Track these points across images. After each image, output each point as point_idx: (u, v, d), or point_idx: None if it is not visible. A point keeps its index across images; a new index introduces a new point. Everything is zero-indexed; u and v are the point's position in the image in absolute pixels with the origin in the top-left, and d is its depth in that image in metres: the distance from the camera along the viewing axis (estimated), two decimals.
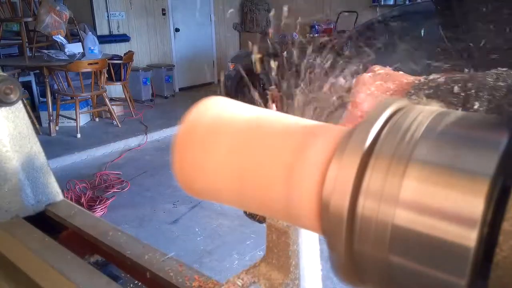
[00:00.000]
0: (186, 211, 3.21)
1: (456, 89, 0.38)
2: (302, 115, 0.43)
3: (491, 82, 0.38)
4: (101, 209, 3.19)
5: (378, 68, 0.43)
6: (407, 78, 0.41)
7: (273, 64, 0.47)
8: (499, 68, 0.39)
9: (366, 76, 0.42)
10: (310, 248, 0.49)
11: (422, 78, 0.41)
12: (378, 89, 0.40)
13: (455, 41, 0.77)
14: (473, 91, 0.38)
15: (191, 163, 0.32)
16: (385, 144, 0.22)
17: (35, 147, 0.87)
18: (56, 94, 4.85)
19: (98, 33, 6.25)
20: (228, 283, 0.48)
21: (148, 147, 4.74)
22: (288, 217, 0.28)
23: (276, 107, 0.44)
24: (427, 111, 0.23)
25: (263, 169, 0.28)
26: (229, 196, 0.31)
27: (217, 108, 0.32)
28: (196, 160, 0.31)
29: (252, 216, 0.53)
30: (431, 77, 0.40)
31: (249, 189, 0.29)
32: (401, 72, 0.43)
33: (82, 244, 0.80)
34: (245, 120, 0.31)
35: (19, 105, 0.84)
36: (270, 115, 0.31)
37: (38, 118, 5.03)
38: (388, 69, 0.44)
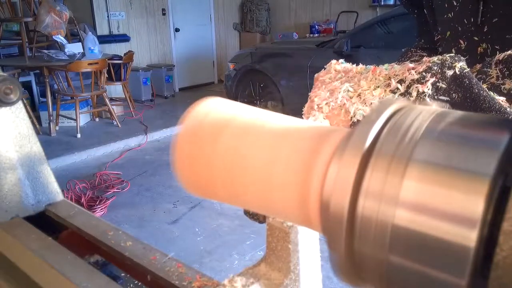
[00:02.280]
0: (186, 211, 3.21)
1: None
2: None
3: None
4: (101, 209, 3.19)
5: (335, 63, 0.44)
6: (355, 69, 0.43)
7: None
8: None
9: (322, 72, 0.44)
10: (310, 248, 0.49)
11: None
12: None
13: (426, 35, 0.85)
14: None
15: (193, 163, 0.32)
16: (385, 144, 0.22)
17: (35, 147, 0.87)
18: (56, 94, 4.85)
19: (98, 33, 6.25)
20: (228, 283, 0.48)
21: (148, 147, 4.74)
22: (296, 218, 0.28)
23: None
24: (427, 111, 0.23)
25: (270, 171, 0.28)
26: (230, 196, 0.31)
27: (218, 108, 0.32)
28: (198, 160, 0.31)
29: (252, 216, 0.53)
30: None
31: (252, 189, 0.29)
32: (360, 65, 0.45)
33: (82, 244, 0.80)
34: (247, 121, 0.31)
35: (19, 105, 0.84)
36: (273, 117, 0.31)
37: (38, 118, 5.03)
38: (346, 64, 0.45)
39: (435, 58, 0.40)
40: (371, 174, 0.22)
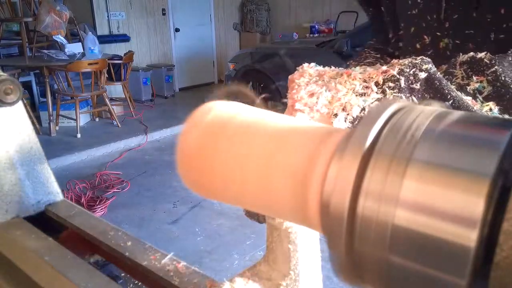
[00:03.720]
0: (186, 211, 3.21)
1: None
2: None
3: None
4: (101, 209, 3.20)
5: (307, 66, 0.45)
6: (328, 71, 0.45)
7: None
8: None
9: (296, 74, 0.45)
10: (310, 248, 0.49)
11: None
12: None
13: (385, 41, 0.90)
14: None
15: (194, 161, 0.32)
16: (385, 144, 0.22)
17: (35, 147, 0.87)
18: (56, 94, 4.85)
19: (98, 33, 6.25)
20: (228, 283, 0.48)
21: (148, 147, 4.74)
22: (296, 218, 0.28)
23: None
24: (427, 111, 0.23)
25: (270, 170, 0.28)
26: (231, 195, 0.31)
27: (221, 109, 0.32)
28: (200, 159, 0.31)
29: (252, 216, 0.53)
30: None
31: (253, 189, 0.29)
32: (327, 67, 0.46)
33: (82, 244, 0.80)
34: (248, 120, 0.31)
35: (19, 105, 0.84)
36: (274, 117, 0.31)
37: (38, 118, 5.03)
38: (318, 67, 0.46)
39: (406, 61, 0.42)
40: (371, 174, 0.22)
